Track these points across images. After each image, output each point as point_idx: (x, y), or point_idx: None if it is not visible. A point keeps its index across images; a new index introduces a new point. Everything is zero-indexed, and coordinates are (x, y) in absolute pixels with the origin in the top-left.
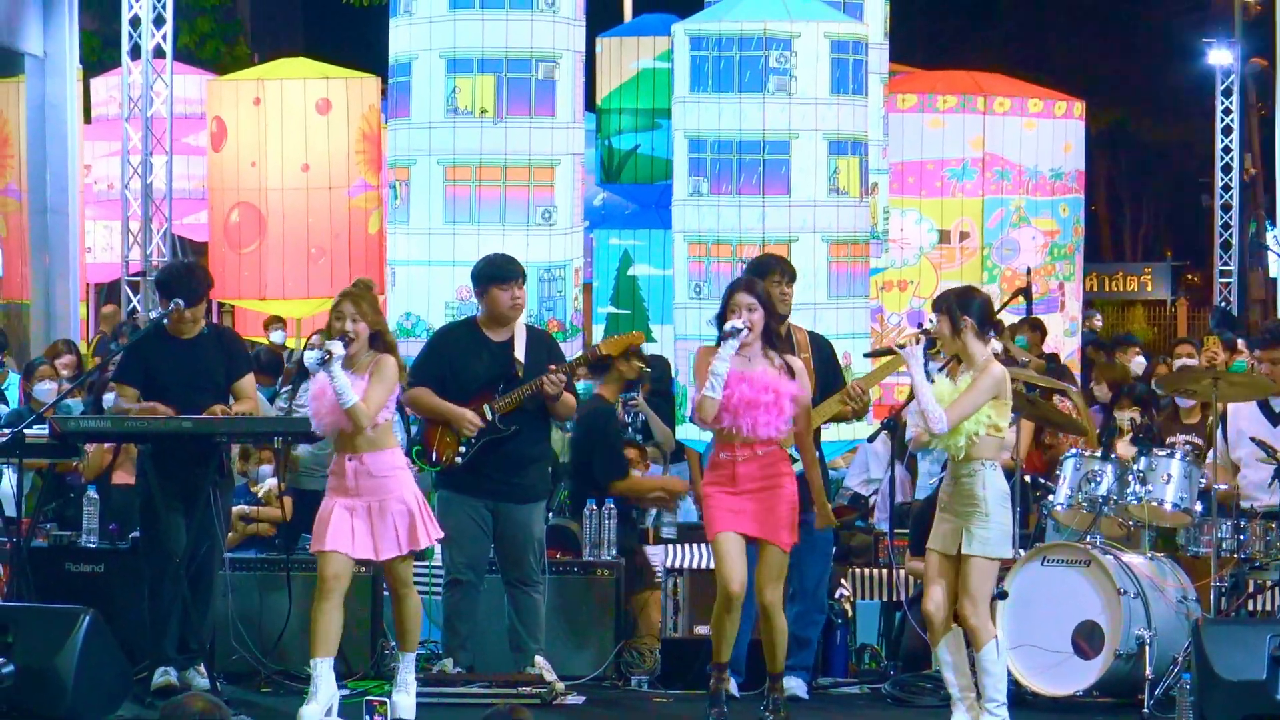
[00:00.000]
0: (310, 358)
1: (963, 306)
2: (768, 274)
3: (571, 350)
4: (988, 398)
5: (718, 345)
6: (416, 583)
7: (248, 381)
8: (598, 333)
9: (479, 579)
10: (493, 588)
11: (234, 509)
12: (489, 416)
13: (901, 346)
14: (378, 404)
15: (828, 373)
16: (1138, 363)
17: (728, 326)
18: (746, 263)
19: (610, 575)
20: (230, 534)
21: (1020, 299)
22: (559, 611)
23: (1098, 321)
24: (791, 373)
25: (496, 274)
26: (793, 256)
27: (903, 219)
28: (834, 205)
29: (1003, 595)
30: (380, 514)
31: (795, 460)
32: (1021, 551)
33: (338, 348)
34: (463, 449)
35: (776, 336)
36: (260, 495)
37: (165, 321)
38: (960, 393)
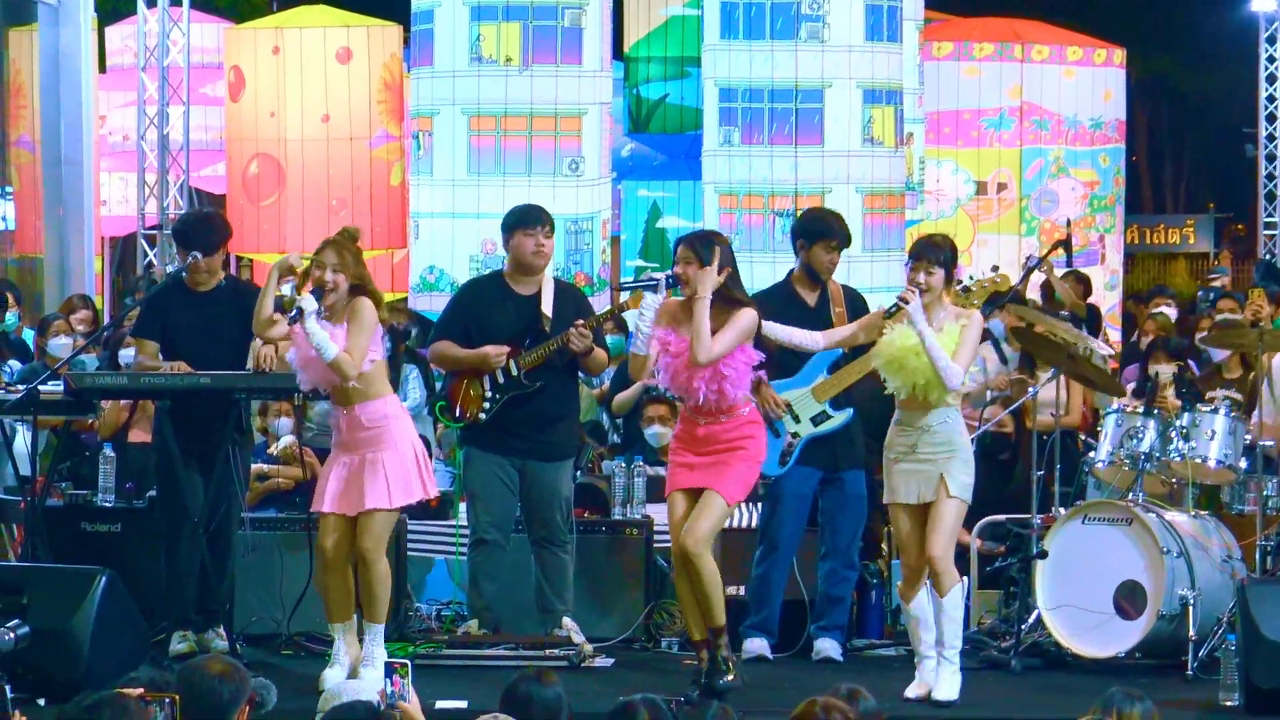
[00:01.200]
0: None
1: (955, 259)
2: (821, 239)
3: (600, 305)
4: (977, 347)
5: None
6: (440, 542)
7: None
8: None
9: (505, 539)
10: (519, 547)
11: (253, 467)
12: (514, 372)
13: (906, 301)
14: (361, 351)
15: None
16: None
17: (645, 276)
18: (780, 215)
19: (639, 534)
20: (249, 492)
21: (1060, 251)
22: (587, 572)
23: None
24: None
25: (520, 220)
26: (826, 204)
27: (939, 170)
28: (868, 155)
29: (1043, 554)
30: (371, 466)
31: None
32: (1062, 510)
33: (308, 303)
34: (487, 404)
35: (725, 296)
36: (277, 453)
37: (184, 274)
38: (956, 344)
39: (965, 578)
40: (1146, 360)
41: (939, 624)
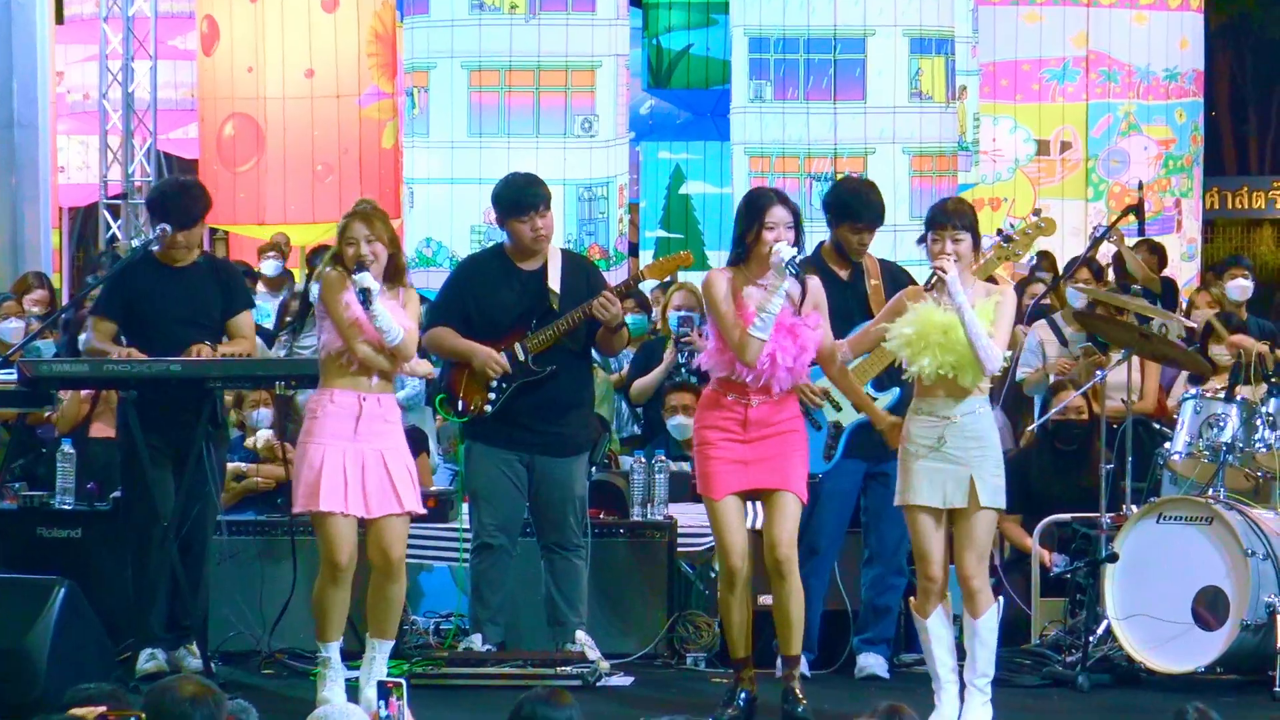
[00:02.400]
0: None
1: (976, 220)
2: (848, 220)
3: (616, 279)
4: (1013, 323)
5: (733, 265)
6: (439, 547)
7: (245, 319)
8: (646, 261)
9: (512, 543)
10: (528, 553)
11: (229, 465)
12: (521, 357)
13: (944, 272)
14: (416, 333)
15: None
16: (1238, 286)
17: (781, 250)
18: (817, 179)
19: (662, 537)
20: (224, 494)
21: (1131, 218)
22: (603, 580)
23: None
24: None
25: (512, 205)
26: (869, 170)
27: (995, 127)
28: (916, 112)
29: (1112, 558)
30: (395, 462)
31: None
32: (1134, 508)
33: (369, 281)
34: (492, 395)
35: (803, 260)
36: (257, 449)
37: (155, 248)
38: (992, 322)
39: (1000, 595)
40: (1204, 342)
41: (971, 648)
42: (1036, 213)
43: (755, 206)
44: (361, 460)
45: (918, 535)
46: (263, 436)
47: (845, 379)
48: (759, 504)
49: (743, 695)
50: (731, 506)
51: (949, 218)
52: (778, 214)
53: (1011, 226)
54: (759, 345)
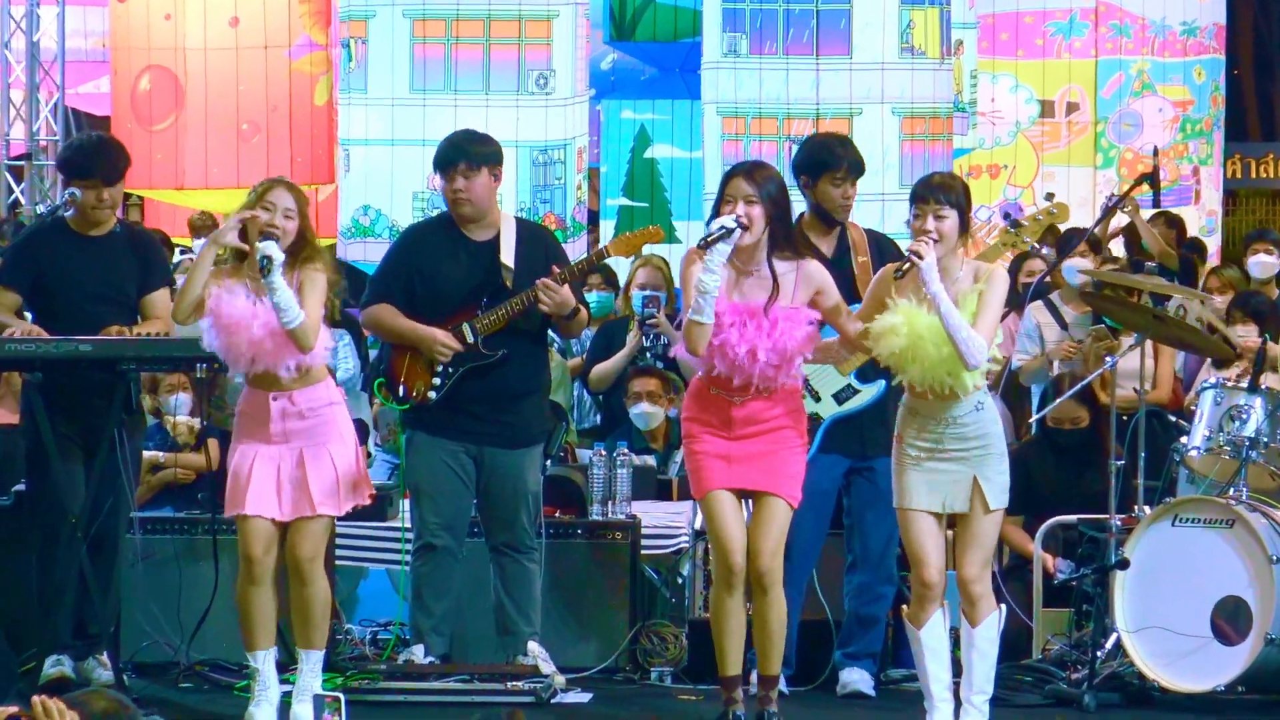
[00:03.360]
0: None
1: (968, 199)
2: (825, 171)
3: (575, 254)
4: (1002, 308)
5: (702, 248)
6: (376, 548)
7: (162, 296)
8: (607, 231)
9: (457, 544)
10: (475, 555)
11: (144, 455)
12: (470, 338)
13: (920, 256)
14: (318, 320)
15: None
16: (1260, 263)
17: (715, 225)
18: (797, 143)
19: (624, 539)
20: (140, 487)
21: (1145, 188)
22: (559, 585)
23: None
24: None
25: (436, 164)
26: (855, 133)
27: (994, 86)
28: (907, 68)
29: (1123, 564)
30: (315, 461)
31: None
32: (1147, 509)
33: (273, 250)
34: (437, 380)
35: (783, 240)
36: (175, 434)
37: (68, 213)
38: (976, 310)
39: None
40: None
41: (968, 661)
42: (1049, 196)
43: (721, 181)
44: (277, 462)
45: (913, 536)
46: (183, 421)
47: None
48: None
49: (735, 717)
50: (723, 500)
51: (932, 192)
52: (736, 186)
53: (1020, 210)
54: (699, 332)
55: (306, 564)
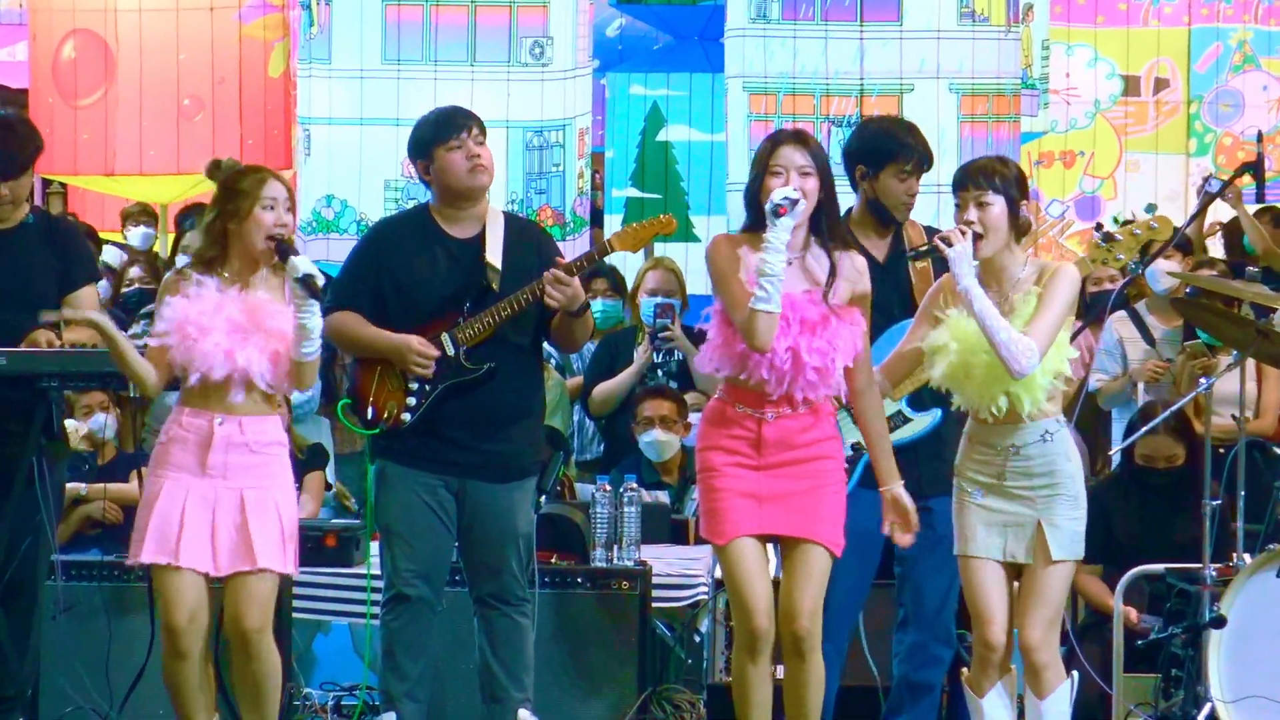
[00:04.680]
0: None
1: (1020, 184)
2: (890, 162)
3: (575, 253)
4: (1069, 311)
5: (747, 231)
6: (340, 601)
7: (88, 294)
8: (614, 227)
9: (435, 594)
10: (456, 607)
11: (66, 486)
12: (450, 351)
13: (948, 243)
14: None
15: None
16: None
17: (776, 197)
18: (838, 124)
19: (632, 589)
20: (61, 524)
21: (1247, 179)
22: (556, 643)
23: None
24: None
25: (435, 132)
26: (905, 112)
27: (1070, 59)
28: (967, 37)
29: (1218, 622)
30: (259, 506)
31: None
32: (1247, 557)
33: (310, 266)
34: (412, 400)
35: (834, 226)
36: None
37: None
38: (1025, 318)
39: (1074, 669)
40: None
41: None
42: (1150, 208)
43: (761, 150)
44: (212, 501)
45: (974, 588)
46: (95, 424)
47: (868, 407)
48: (778, 547)
49: None
50: (747, 550)
51: (971, 177)
52: (786, 156)
53: (1115, 222)
54: (768, 322)
55: (254, 635)
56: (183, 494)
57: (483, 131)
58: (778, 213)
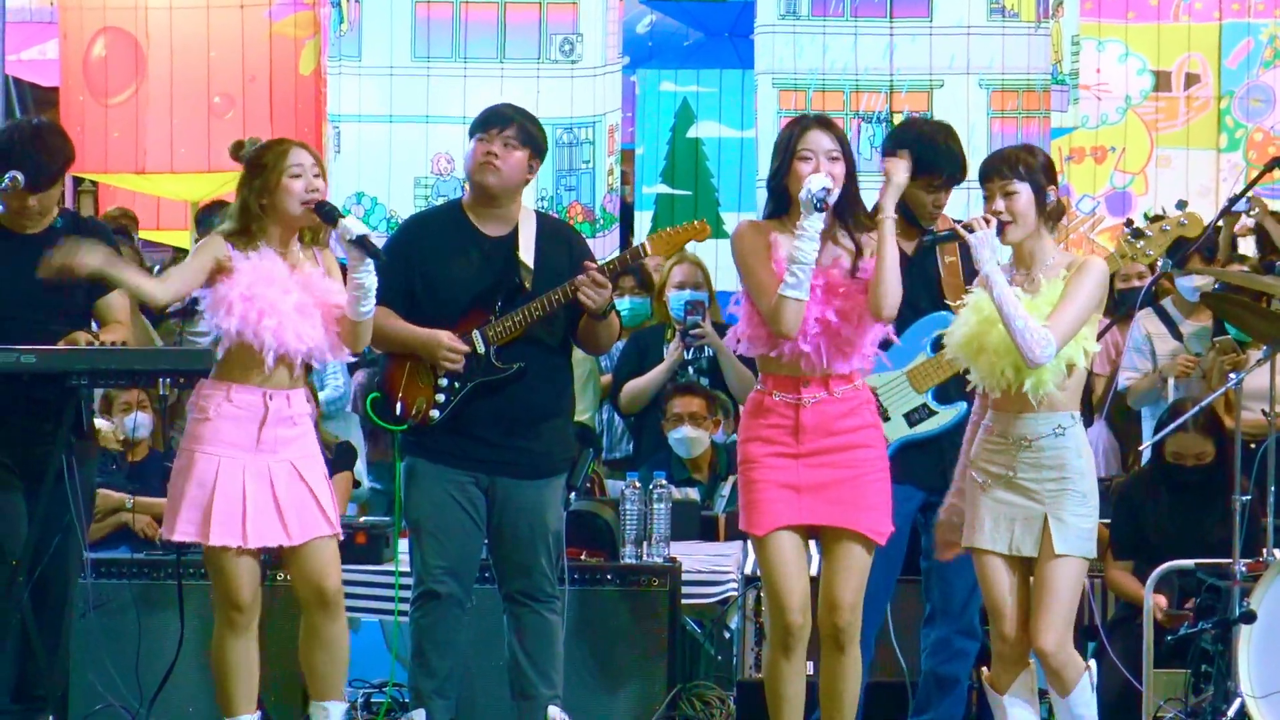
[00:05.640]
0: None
1: (1045, 169)
2: (923, 173)
3: (604, 251)
4: (1093, 308)
5: (771, 219)
6: (370, 598)
7: (118, 299)
8: (643, 224)
9: (465, 591)
10: (486, 604)
11: (99, 492)
12: (481, 349)
13: (969, 229)
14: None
15: None
16: None
17: (814, 186)
18: (868, 120)
19: (661, 586)
20: (93, 524)
21: (1276, 175)
22: (585, 640)
23: None
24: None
25: (475, 123)
26: (935, 109)
27: (1100, 55)
28: (997, 33)
29: (1249, 617)
30: (312, 474)
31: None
32: (1278, 553)
33: (359, 225)
34: (442, 398)
35: (858, 210)
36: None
37: None
38: (1050, 303)
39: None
40: None
41: None
42: (1181, 204)
43: (787, 134)
44: (269, 477)
45: (987, 585)
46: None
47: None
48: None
49: None
50: (785, 544)
51: (996, 167)
52: (814, 140)
53: (1146, 218)
54: (796, 309)
55: (337, 595)
56: (239, 472)
57: (519, 137)
58: (821, 205)
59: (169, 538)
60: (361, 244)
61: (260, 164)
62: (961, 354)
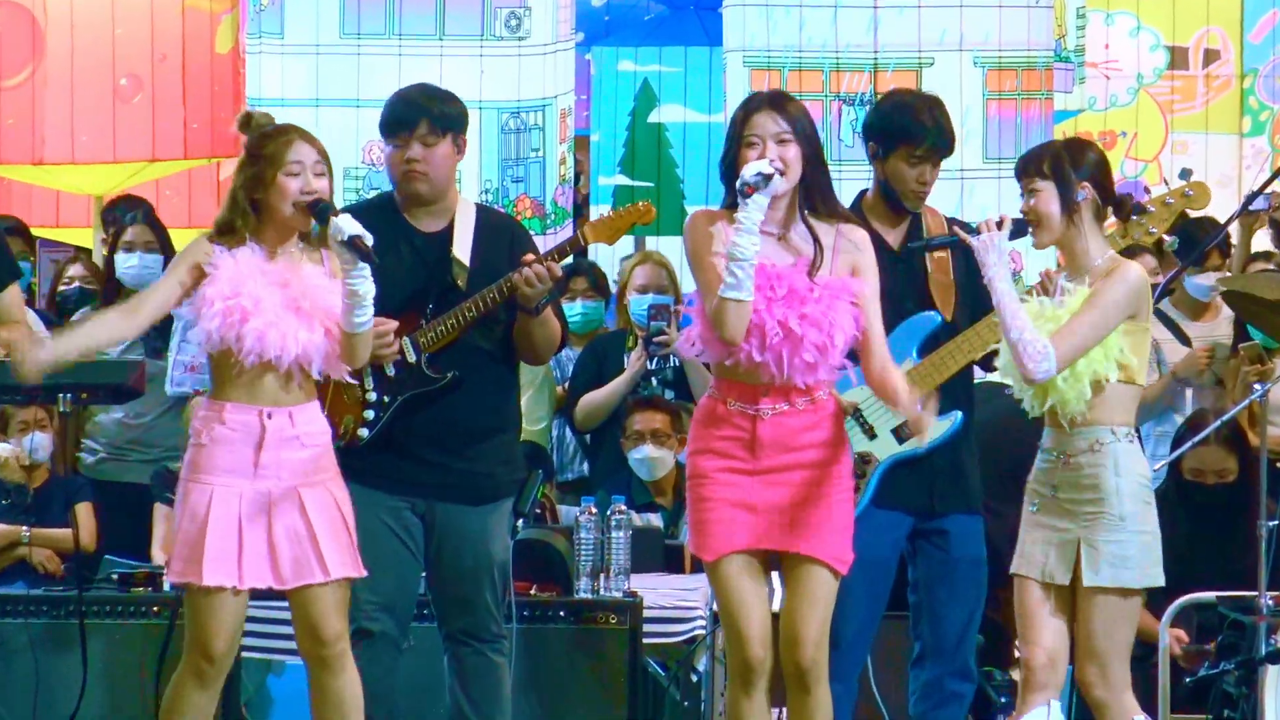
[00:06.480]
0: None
1: (1078, 163)
2: (901, 143)
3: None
4: (1121, 319)
5: (727, 208)
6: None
7: (12, 295)
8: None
9: (401, 630)
10: (425, 644)
11: (5, 529)
12: (411, 357)
13: (973, 231)
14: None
15: (976, 288)
16: None
17: (747, 173)
18: (849, 102)
19: (621, 623)
20: None
21: None
22: (535, 684)
23: None
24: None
25: (386, 124)
26: (924, 87)
27: (1109, 29)
28: (993, 6)
29: (1276, 657)
30: (319, 507)
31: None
32: None
33: (355, 226)
34: (370, 414)
35: (821, 197)
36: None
37: None
38: (1072, 312)
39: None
40: None
41: None
42: (1185, 174)
43: (734, 117)
44: (266, 506)
45: (1020, 608)
46: (7, 450)
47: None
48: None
49: None
50: (741, 569)
51: (1021, 165)
52: (760, 124)
53: (1147, 193)
54: (738, 312)
55: (336, 646)
56: (235, 502)
57: (435, 128)
58: (745, 191)
59: (167, 579)
60: (353, 245)
61: (258, 154)
62: (1006, 366)
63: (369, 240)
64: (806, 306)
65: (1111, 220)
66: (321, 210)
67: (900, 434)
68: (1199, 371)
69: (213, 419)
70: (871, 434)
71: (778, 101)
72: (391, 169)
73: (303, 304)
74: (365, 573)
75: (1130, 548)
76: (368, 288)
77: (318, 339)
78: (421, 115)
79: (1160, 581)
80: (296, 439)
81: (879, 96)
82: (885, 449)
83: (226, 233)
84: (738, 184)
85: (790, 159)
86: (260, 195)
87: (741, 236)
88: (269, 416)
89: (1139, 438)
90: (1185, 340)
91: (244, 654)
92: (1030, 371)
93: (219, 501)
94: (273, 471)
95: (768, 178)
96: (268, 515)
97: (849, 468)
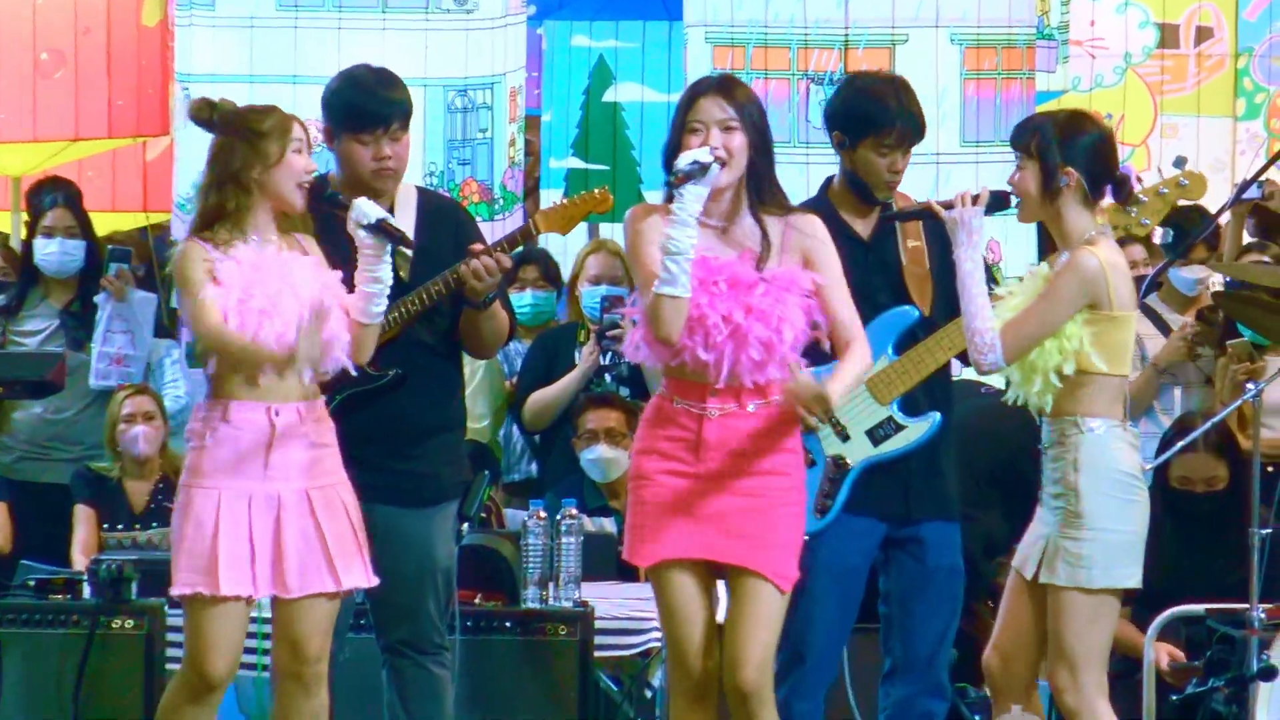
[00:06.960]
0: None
1: (1067, 145)
2: (870, 132)
3: (495, 232)
4: (1073, 309)
5: (668, 200)
6: None
7: None
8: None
9: (336, 642)
10: (362, 656)
11: None
12: None
13: (947, 206)
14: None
15: (954, 279)
16: None
17: (681, 162)
18: (818, 81)
19: (571, 635)
20: None
21: None
22: (480, 699)
23: None
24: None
25: (354, 114)
26: (898, 67)
27: (1095, 5)
28: None
29: (1268, 673)
30: (328, 510)
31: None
32: None
33: (374, 208)
34: None
35: (767, 187)
36: None
37: None
38: (1027, 301)
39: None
40: None
41: None
42: (1179, 162)
43: (680, 102)
44: (275, 509)
45: (1003, 603)
46: None
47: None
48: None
49: None
50: (681, 579)
51: (1012, 136)
52: (704, 110)
53: (1139, 181)
54: (674, 309)
55: (317, 667)
56: (244, 508)
57: (407, 122)
58: (677, 181)
59: (173, 593)
60: (380, 229)
61: (257, 130)
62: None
63: (394, 221)
64: (752, 299)
65: (1109, 200)
66: (333, 194)
67: (876, 435)
68: (1183, 353)
69: (215, 418)
70: (844, 435)
71: (725, 86)
72: (354, 164)
73: (326, 298)
74: (377, 581)
75: (1086, 546)
76: (389, 274)
77: (341, 332)
78: (394, 110)
79: (1132, 583)
80: (305, 436)
81: (840, 81)
82: (860, 451)
83: (214, 220)
84: (679, 170)
85: (735, 148)
86: (260, 175)
87: (676, 229)
88: (277, 414)
89: (1128, 431)
90: (1164, 328)
91: (169, 666)
92: (978, 363)
93: (228, 506)
94: (282, 472)
95: (705, 167)
96: (277, 520)
97: (801, 479)
